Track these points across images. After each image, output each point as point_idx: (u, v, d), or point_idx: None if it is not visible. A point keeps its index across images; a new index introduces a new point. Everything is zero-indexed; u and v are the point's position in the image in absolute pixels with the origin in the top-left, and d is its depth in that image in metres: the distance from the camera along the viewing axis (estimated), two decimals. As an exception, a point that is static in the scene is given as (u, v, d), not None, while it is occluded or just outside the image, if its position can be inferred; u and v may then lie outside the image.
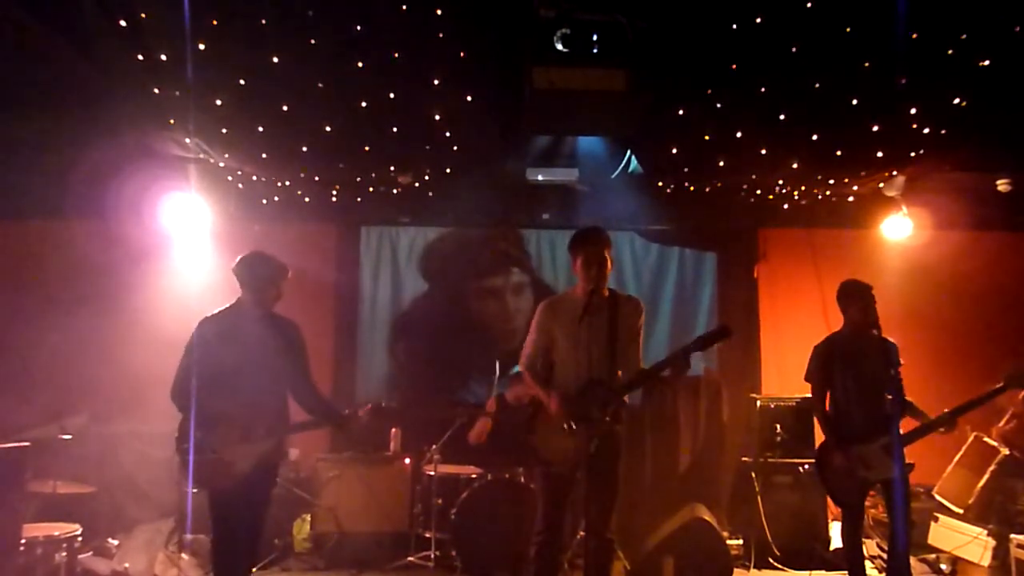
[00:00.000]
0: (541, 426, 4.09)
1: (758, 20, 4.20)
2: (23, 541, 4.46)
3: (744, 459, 6.41)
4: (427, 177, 6.73)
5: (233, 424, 4.03)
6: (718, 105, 5.15)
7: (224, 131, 5.66)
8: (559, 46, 4.11)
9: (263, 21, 4.29)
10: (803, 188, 6.93)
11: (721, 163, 6.27)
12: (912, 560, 4.95)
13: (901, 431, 4.64)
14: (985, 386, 4.66)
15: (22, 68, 4.68)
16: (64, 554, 4.70)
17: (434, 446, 5.87)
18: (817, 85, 4.87)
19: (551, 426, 4.01)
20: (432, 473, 5.78)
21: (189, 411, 4.04)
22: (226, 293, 4.24)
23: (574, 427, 3.86)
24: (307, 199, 7.19)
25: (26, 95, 4.99)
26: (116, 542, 5.78)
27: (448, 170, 6.57)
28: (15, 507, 4.41)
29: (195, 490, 4.10)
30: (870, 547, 5.97)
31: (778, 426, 6.34)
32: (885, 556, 5.95)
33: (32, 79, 4.80)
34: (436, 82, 4.91)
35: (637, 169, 6.33)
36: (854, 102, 5.06)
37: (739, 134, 5.61)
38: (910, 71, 4.59)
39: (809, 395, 5.15)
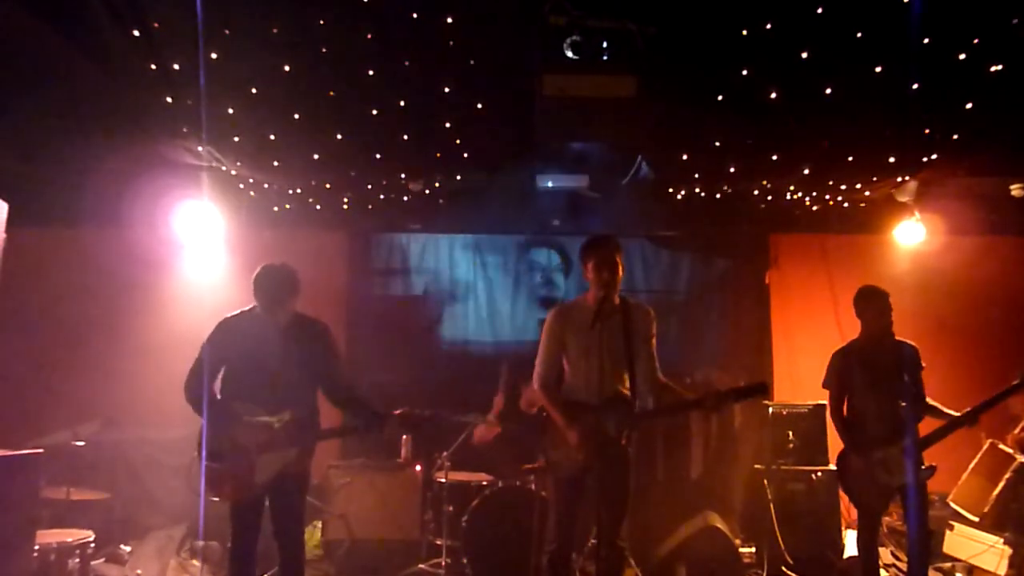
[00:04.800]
0: (550, 434, 4.09)
1: (768, 26, 4.19)
2: (36, 547, 4.48)
3: (756, 466, 6.38)
4: (438, 184, 6.74)
5: (252, 431, 3.99)
6: (729, 111, 5.13)
7: (236, 139, 5.69)
8: (569, 53, 4.12)
9: (275, 30, 4.32)
10: (815, 194, 6.90)
11: (732, 169, 6.25)
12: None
13: (921, 434, 4.64)
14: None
15: (37, 78, 4.73)
16: (77, 560, 4.73)
17: (445, 453, 5.86)
18: (828, 91, 4.86)
19: (560, 436, 4.01)
20: (443, 480, 5.77)
21: (200, 411, 4.01)
22: (239, 300, 4.24)
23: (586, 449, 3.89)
24: (318, 207, 7.22)
25: (41, 105, 5.03)
26: (128, 548, 5.81)
27: (459, 177, 6.59)
28: (29, 513, 4.43)
29: (214, 499, 4.04)
30: (884, 556, 5.92)
31: (791, 433, 6.29)
32: (900, 564, 5.92)
33: (47, 89, 4.84)
34: (447, 90, 4.92)
35: (648, 175, 6.33)
36: (866, 107, 5.04)
37: (750, 140, 5.60)
38: (922, 76, 4.57)
39: (822, 401, 5.13)
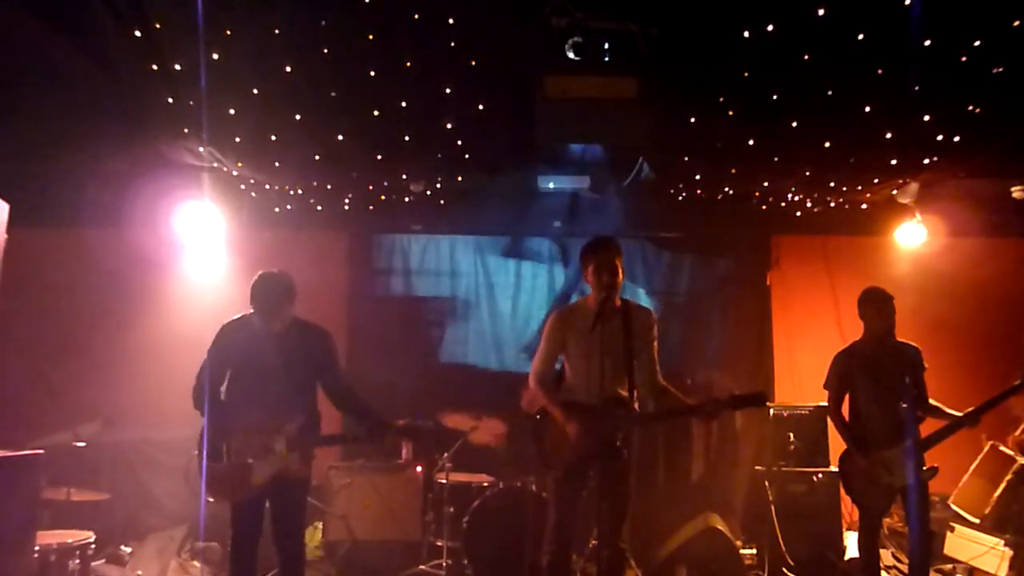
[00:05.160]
0: (547, 432, 4.11)
1: (770, 28, 4.19)
2: (37, 548, 4.48)
3: (757, 468, 6.37)
4: (439, 185, 6.74)
5: (252, 434, 4.00)
6: (730, 112, 5.13)
7: (237, 140, 5.69)
8: (571, 54, 4.11)
9: (276, 31, 4.31)
10: (816, 195, 6.90)
11: (733, 170, 6.25)
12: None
13: (923, 434, 4.64)
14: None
15: (38, 78, 4.73)
16: (77, 561, 4.73)
17: (446, 454, 5.86)
18: (830, 92, 4.86)
19: (557, 433, 4.02)
20: (444, 481, 5.78)
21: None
22: (239, 301, 4.24)
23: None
24: (319, 207, 7.22)
25: (42, 105, 5.03)
26: (129, 549, 5.81)
27: (460, 178, 6.58)
28: (29, 514, 4.43)
29: (211, 499, 4.06)
30: (885, 557, 5.92)
31: (791, 435, 6.29)
32: (901, 566, 5.92)
33: (48, 89, 4.84)
34: (448, 91, 4.92)
35: (649, 176, 6.32)
36: (867, 109, 5.04)
37: (751, 141, 5.59)
38: (923, 78, 4.57)
39: (823, 403, 5.13)
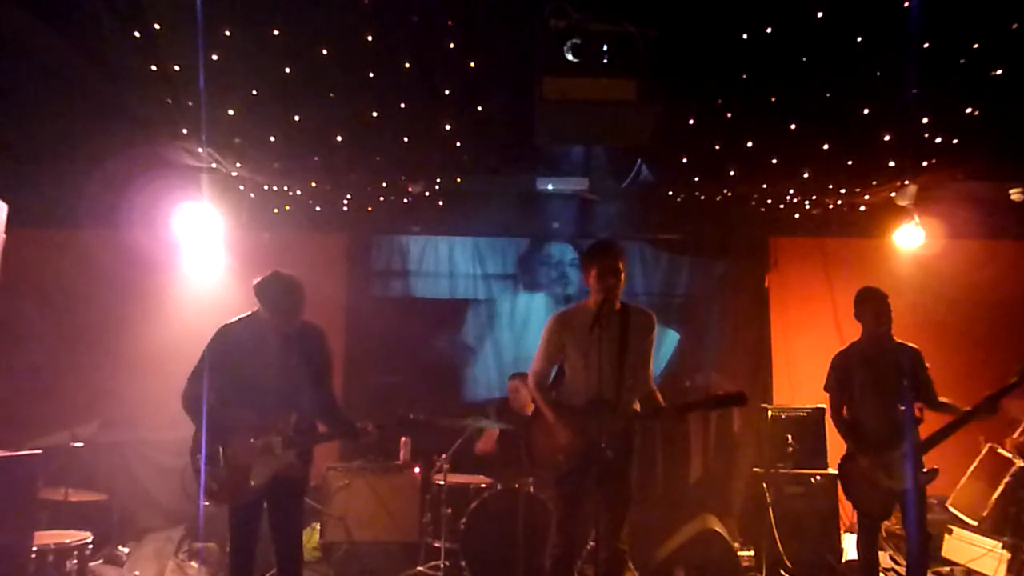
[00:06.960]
0: (538, 432, 4.13)
1: (768, 30, 4.20)
2: (35, 549, 4.48)
3: (755, 469, 6.38)
4: (438, 187, 6.74)
5: (249, 436, 4.00)
6: (728, 114, 5.14)
7: (236, 141, 5.69)
8: (569, 56, 4.11)
9: (275, 32, 4.32)
10: (814, 197, 6.91)
11: (732, 172, 6.26)
12: (925, 572, 4.91)
13: (922, 435, 4.63)
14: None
15: (36, 79, 4.73)
16: (75, 562, 4.72)
17: (444, 455, 5.86)
18: (828, 94, 4.86)
19: (548, 434, 4.03)
20: (442, 483, 5.77)
21: (198, 417, 4.01)
22: (238, 302, 4.24)
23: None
24: (318, 208, 7.22)
25: (40, 106, 5.03)
26: (126, 550, 5.82)
27: (459, 180, 6.59)
28: (27, 515, 4.43)
29: (208, 503, 4.05)
30: (883, 559, 5.92)
31: (789, 436, 6.29)
32: (899, 568, 5.92)
33: (46, 90, 4.84)
34: (447, 92, 4.92)
35: (647, 178, 6.33)
36: (865, 111, 5.05)
37: (750, 143, 5.60)
38: (922, 80, 4.57)
39: (821, 405, 5.12)
